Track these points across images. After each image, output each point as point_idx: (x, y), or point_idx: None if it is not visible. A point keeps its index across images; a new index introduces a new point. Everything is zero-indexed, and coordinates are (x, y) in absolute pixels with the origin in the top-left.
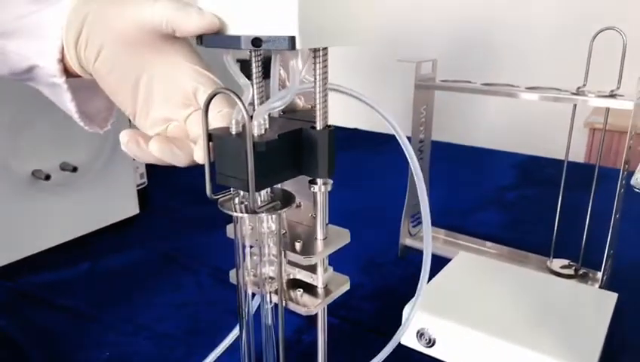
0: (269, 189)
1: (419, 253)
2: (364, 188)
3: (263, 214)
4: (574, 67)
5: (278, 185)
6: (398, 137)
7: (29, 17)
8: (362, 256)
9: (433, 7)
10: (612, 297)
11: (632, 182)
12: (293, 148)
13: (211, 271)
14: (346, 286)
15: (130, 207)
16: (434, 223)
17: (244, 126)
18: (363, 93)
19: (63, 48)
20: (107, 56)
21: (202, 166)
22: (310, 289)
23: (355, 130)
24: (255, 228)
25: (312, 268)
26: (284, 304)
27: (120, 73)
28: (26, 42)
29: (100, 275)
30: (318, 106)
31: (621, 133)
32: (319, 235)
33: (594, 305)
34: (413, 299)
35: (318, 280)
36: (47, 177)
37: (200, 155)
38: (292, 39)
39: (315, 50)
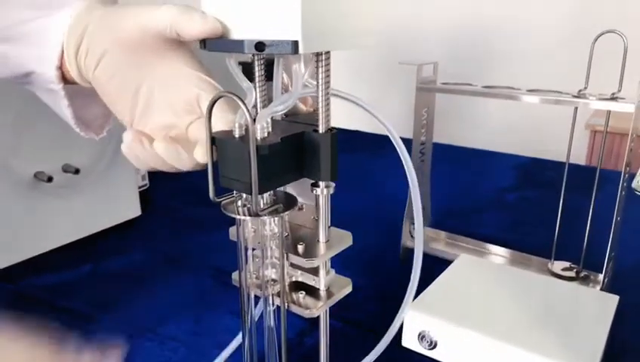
0: (271, 192)
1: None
2: (366, 190)
3: (266, 217)
4: (575, 70)
5: (281, 188)
6: (393, 140)
7: (30, 23)
8: (364, 258)
9: (434, 10)
10: (613, 299)
11: (634, 184)
12: (295, 151)
13: (213, 272)
14: (348, 289)
15: (132, 209)
16: (435, 225)
17: (246, 129)
18: (361, 98)
19: (62, 55)
20: (108, 62)
21: (204, 169)
22: (312, 291)
23: (357, 132)
24: (258, 230)
25: (314, 271)
26: (286, 306)
27: (120, 80)
28: (26, 48)
29: (102, 277)
30: (320, 110)
31: (622, 136)
32: (321, 238)
33: (595, 308)
34: (405, 298)
35: (321, 282)
36: (50, 179)
37: (201, 153)
38: (295, 43)
39: (318, 54)
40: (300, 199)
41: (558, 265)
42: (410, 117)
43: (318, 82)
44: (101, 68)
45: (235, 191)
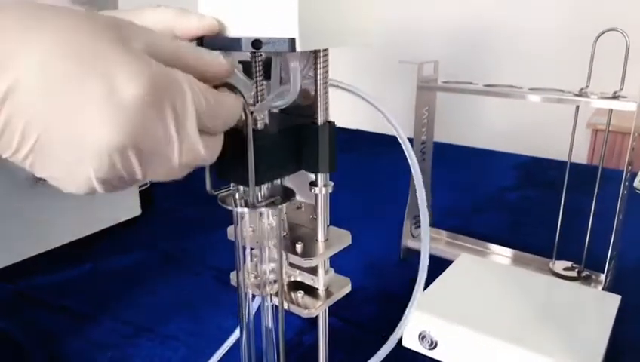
0: (269, 185)
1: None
2: (366, 189)
3: (263, 209)
4: (577, 68)
5: (278, 182)
6: (397, 134)
7: None
8: (364, 257)
9: (435, 8)
10: (615, 299)
11: (635, 183)
12: (293, 144)
13: (213, 272)
14: (348, 288)
15: (132, 209)
16: (436, 225)
17: (244, 121)
18: (364, 91)
19: None
20: None
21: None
22: (311, 291)
23: (357, 131)
24: (256, 230)
25: (313, 270)
26: (284, 306)
27: None
28: None
29: (102, 276)
30: (319, 101)
31: (624, 135)
32: (320, 237)
33: (597, 307)
34: (410, 301)
35: (319, 282)
36: None
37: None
38: (292, 41)
39: (316, 52)
40: (299, 198)
41: (559, 265)
42: (411, 116)
43: (316, 79)
44: None
45: (232, 185)
